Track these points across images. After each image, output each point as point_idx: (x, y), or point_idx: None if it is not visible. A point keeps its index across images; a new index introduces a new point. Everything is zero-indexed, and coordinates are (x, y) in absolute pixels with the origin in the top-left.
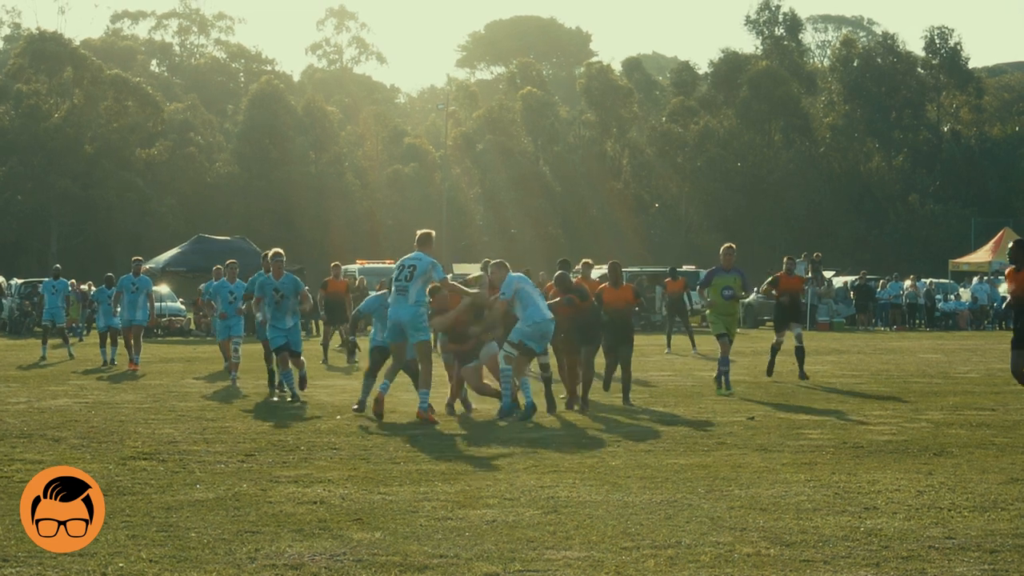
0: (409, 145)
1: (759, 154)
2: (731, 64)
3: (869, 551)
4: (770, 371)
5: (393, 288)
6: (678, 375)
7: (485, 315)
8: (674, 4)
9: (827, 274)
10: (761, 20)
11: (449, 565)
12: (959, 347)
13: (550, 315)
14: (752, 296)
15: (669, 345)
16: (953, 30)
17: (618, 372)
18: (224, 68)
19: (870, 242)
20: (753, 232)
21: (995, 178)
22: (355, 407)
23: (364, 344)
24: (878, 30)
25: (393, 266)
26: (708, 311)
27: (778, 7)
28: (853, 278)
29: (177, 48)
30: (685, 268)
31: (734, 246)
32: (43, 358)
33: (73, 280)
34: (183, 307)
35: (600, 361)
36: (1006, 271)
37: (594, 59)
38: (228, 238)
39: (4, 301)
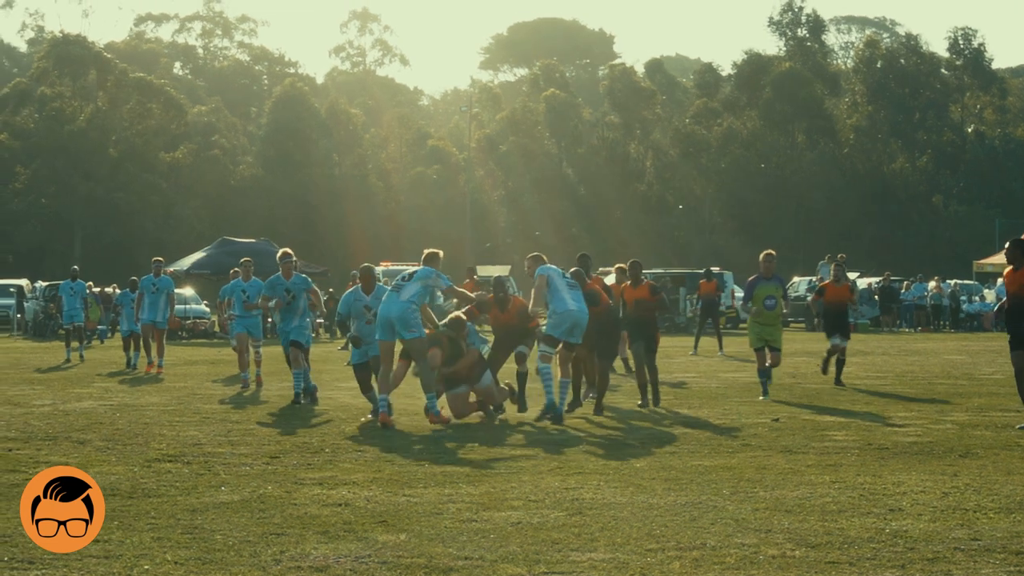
0: (432, 147)
1: (782, 155)
2: (754, 65)
3: (894, 553)
4: (825, 370)
5: (390, 288)
6: (703, 377)
7: (530, 296)
8: (697, 6)
9: (851, 275)
10: (784, 21)
11: (474, 567)
12: (984, 348)
13: (574, 306)
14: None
15: (696, 347)
16: (977, 31)
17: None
18: (247, 71)
19: (894, 243)
20: (776, 234)
21: (1019, 179)
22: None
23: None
24: (901, 31)
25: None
26: (749, 321)
27: (801, 8)
28: (877, 279)
29: (201, 51)
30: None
31: (774, 253)
32: (67, 360)
33: (90, 282)
34: (207, 309)
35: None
36: (1004, 271)
37: (617, 61)
38: (252, 240)
39: (28, 304)
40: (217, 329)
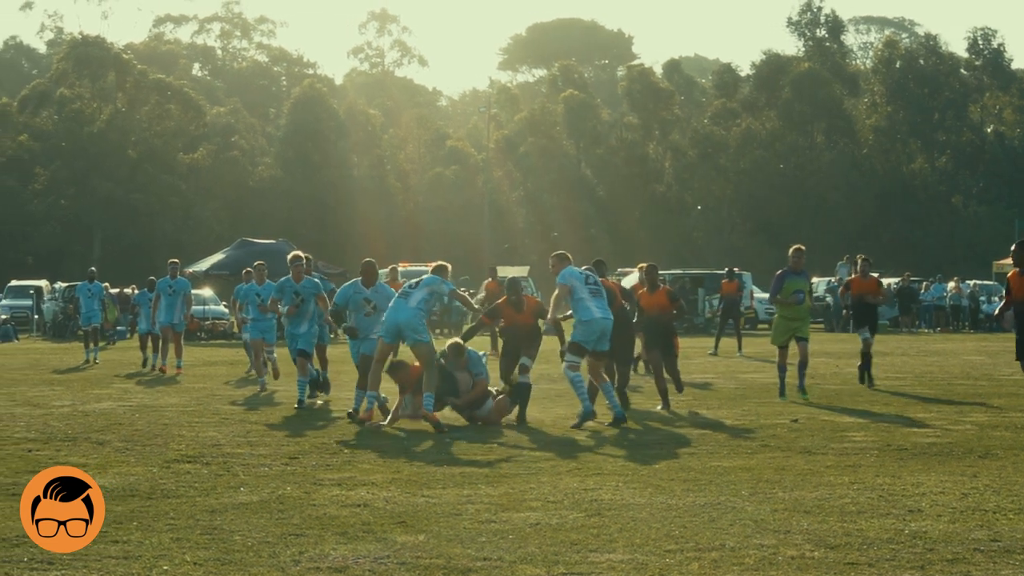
0: (451, 148)
1: (801, 156)
2: (773, 66)
3: (914, 554)
4: (864, 378)
5: (398, 294)
6: (722, 378)
7: (551, 299)
8: (716, 6)
9: (871, 275)
10: (803, 22)
11: (493, 568)
12: (1003, 349)
13: (599, 314)
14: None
15: (716, 348)
16: (996, 31)
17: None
18: (266, 72)
19: (913, 244)
20: (795, 234)
21: None
22: (376, 423)
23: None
24: (920, 31)
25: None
26: (776, 317)
27: (820, 9)
28: (896, 280)
29: (219, 52)
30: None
31: (803, 248)
32: (86, 361)
33: (106, 283)
34: (226, 310)
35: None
36: (1008, 274)
37: (636, 61)
38: (271, 241)
39: (47, 305)
40: (236, 330)
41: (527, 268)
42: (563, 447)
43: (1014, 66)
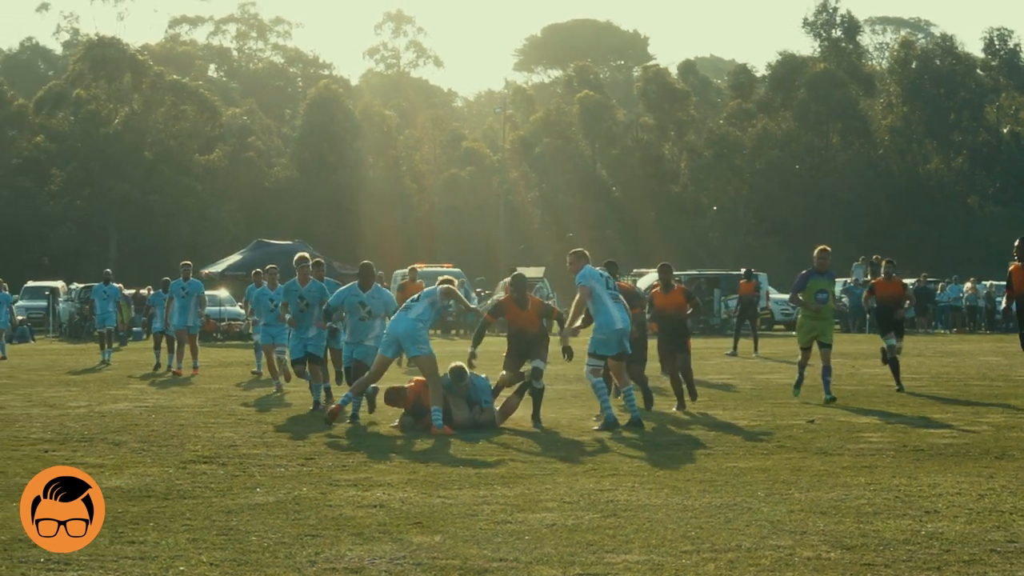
0: (466, 149)
1: (817, 156)
2: (788, 66)
3: (930, 555)
4: (899, 383)
5: (399, 308)
6: (738, 378)
7: (574, 304)
8: (731, 7)
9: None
10: (818, 22)
11: (509, 569)
12: (1020, 350)
13: (621, 324)
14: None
15: (735, 348)
16: (1012, 31)
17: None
18: (282, 73)
19: (929, 244)
20: (810, 235)
21: None
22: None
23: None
24: (936, 32)
25: (450, 270)
26: (800, 317)
27: (835, 9)
28: (913, 280)
29: (235, 53)
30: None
31: (829, 249)
32: (103, 362)
33: (120, 284)
34: (241, 311)
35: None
36: (1011, 268)
37: (651, 62)
38: (287, 243)
39: (62, 305)
40: (251, 331)
41: (543, 268)
42: (579, 448)
43: None
